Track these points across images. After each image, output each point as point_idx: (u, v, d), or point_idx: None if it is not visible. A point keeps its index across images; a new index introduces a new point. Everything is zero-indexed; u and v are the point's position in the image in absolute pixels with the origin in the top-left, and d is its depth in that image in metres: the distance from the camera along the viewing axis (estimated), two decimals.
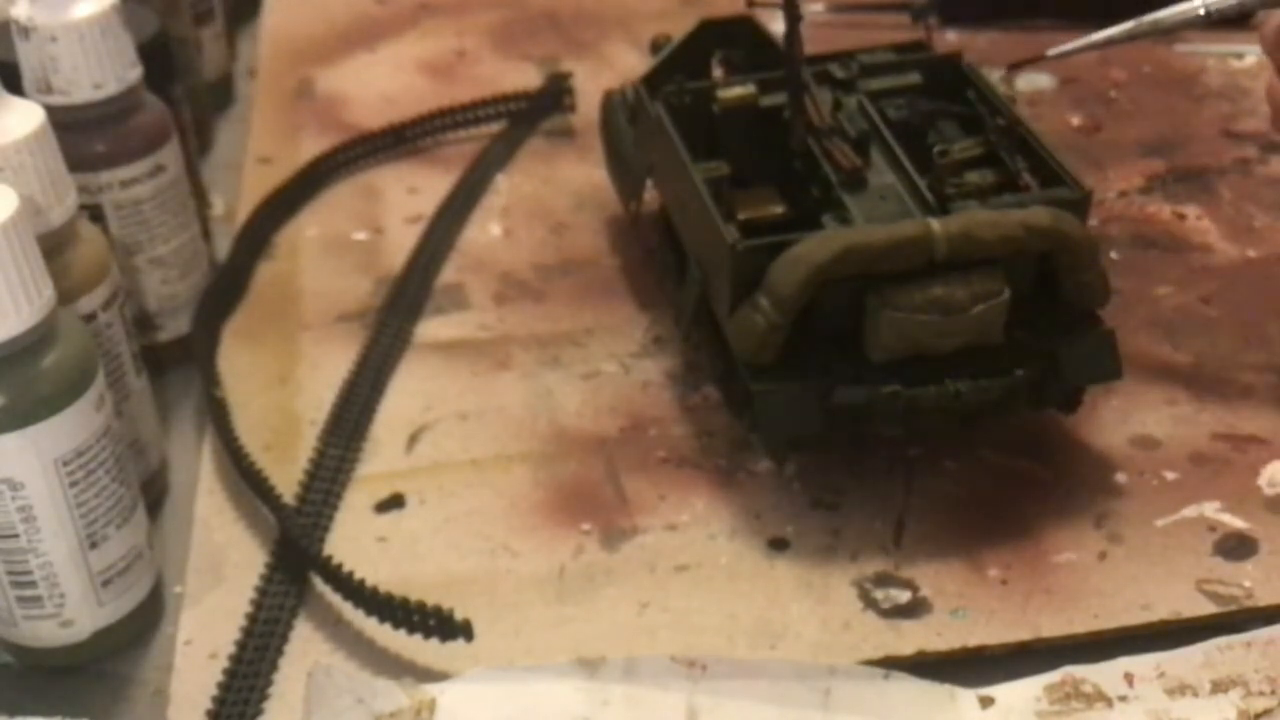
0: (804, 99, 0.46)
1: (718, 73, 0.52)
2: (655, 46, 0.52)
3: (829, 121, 0.46)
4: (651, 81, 0.50)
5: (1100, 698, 0.38)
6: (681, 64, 0.51)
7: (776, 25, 0.52)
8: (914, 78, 0.48)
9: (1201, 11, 0.45)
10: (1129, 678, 0.38)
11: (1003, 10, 0.68)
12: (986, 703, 0.38)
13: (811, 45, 0.47)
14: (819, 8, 0.68)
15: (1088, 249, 0.42)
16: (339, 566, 0.42)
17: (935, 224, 0.41)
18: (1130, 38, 0.45)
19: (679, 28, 0.53)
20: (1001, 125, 0.46)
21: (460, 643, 0.40)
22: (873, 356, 0.42)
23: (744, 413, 0.44)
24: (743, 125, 0.47)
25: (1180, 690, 0.38)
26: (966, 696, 0.38)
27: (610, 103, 0.54)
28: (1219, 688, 0.38)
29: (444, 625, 0.40)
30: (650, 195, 0.52)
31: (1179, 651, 0.38)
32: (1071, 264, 0.42)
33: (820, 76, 0.48)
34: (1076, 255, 0.42)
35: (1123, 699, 0.38)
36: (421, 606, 0.40)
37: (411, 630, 0.40)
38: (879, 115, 0.47)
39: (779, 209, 0.45)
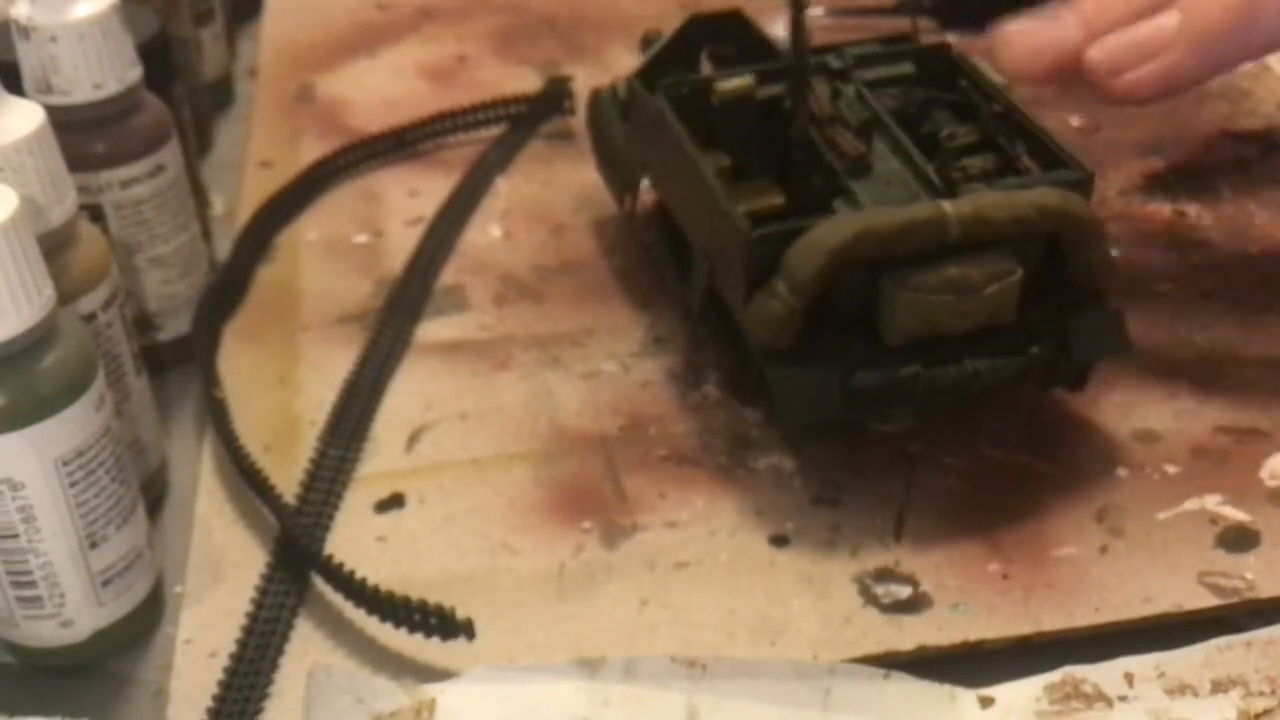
0: (807, 88, 0.46)
1: (706, 68, 0.52)
2: (646, 43, 0.53)
3: (829, 110, 0.46)
4: (643, 77, 0.50)
5: (1100, 698, 0.38)
6: (672, 60, 0.51)
7: (766, 20, 0.52)
8: (907, 67, 0.49)
9: None
10: (1129, 678, 0.38)
11: (1002, 14, 0.68)
12: (986, 703, 0.38)
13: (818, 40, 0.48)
14: (819, 11, 0.68)
15: (1095, 228, 0.42)
16: (340, 565, 0.41)
17: (948, 206, 0.41)
18: None
19: None
20: (998, 111, 0.46)
21: (461, 641, 0.40)
22: (889, 339, 0.42)
23: (758, 401, 0.44)
24: (740, 117, 0.47)
25: (1180, 690, 0.38)
26: (966, 696, 0.38)
27: (599, 100, 0.54)
28: (1219, 688, 0.38)
29: (445, 624, 0.39)
30: (644, 192, 0.52)
31: (1179, 651, 0.38)
32: (1079, 243, 0.42)
33: (815, 68, 0.49)
34: (1084, 235, 0.42)
35: (1123, 699, 0.37)
36: (423, 605, 0.40)
37: (413, 629, 0.40)
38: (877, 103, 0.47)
39: (779, 200, 0.45)
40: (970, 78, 0.48)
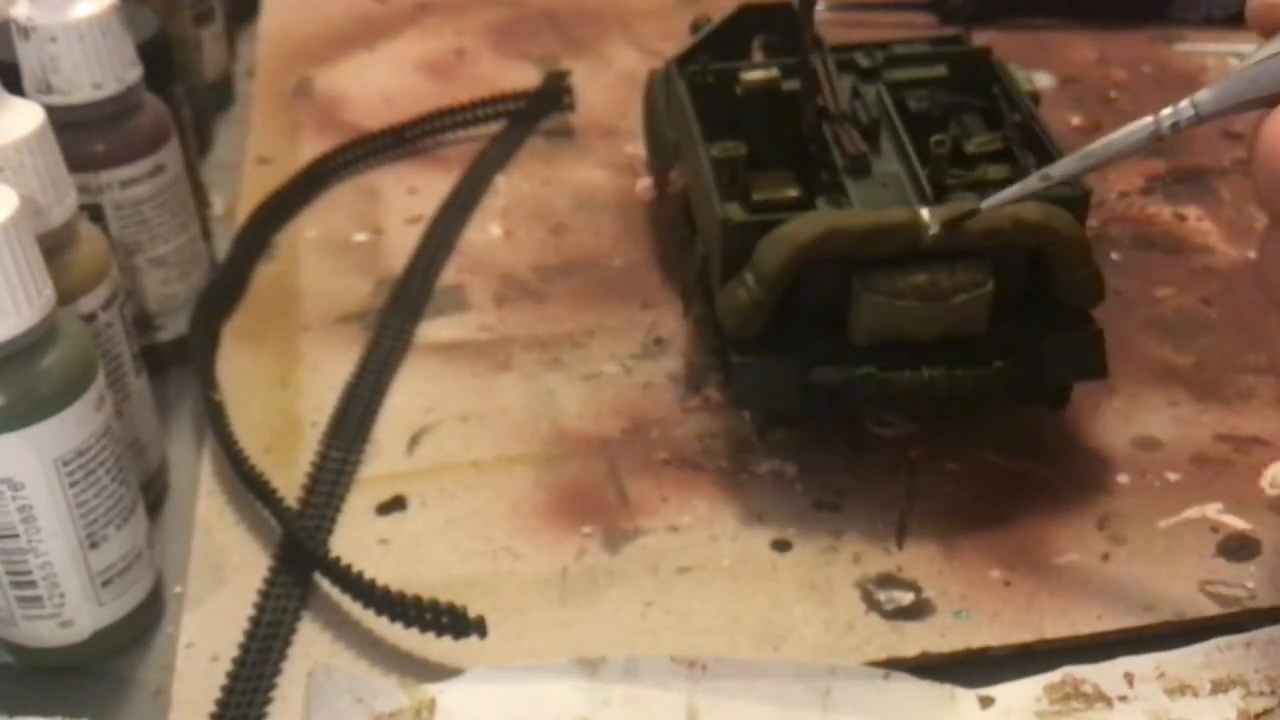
0: (816, 82, 0.46)
1: (759, 56, 0.52)
2: (695, 28, 0.53)
3: (843, 108, 0.46)
4: (685, 61, 0.50)
5: (1100, 698, 0.38)
6: (718, 46, 0.51)
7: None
8: (939, 70, 0.49)
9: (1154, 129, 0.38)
10: (1129, 678, 0.38)
11: (1003, 9, 0.68)
12: (987, 703, 0.38)
13: (845, 36, 0.47)
14: (819, 5, 0.68)
15: (1078, 247, 0.42)
16: (349, 567, 0.41)
17: (924, 212, 0.41)
18: (1080, 171, 0.38)
19: (677, 26, 0.53)
20: (1017, 121, 0.46)
21: (464, 644, 0.40)
22: (855, 339, 0.42)
23: (725, 388, 0.44)
24: (764, 108, 0.47)
25: (1180, 690, 0.38)
26: (966, 696, 0.38)
27: (653, 80, 0.54)
28: (1219, 688, 0.38)
29: (457, 622, 0.39)
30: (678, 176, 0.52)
31: (1179, 651, 0.38)
32: (1062, 260, 0.42)
33: (846, 65, 0.49)
34: (1066, 252, 0.42)
35: (1123, 699, 0.38)
36: (434, 604, 0.40)
37: (424, 628, 0.40)
38: (894, 105, 0.47)
39: (794, 192, 0.45)
40: (1001, 85, 0.48)
